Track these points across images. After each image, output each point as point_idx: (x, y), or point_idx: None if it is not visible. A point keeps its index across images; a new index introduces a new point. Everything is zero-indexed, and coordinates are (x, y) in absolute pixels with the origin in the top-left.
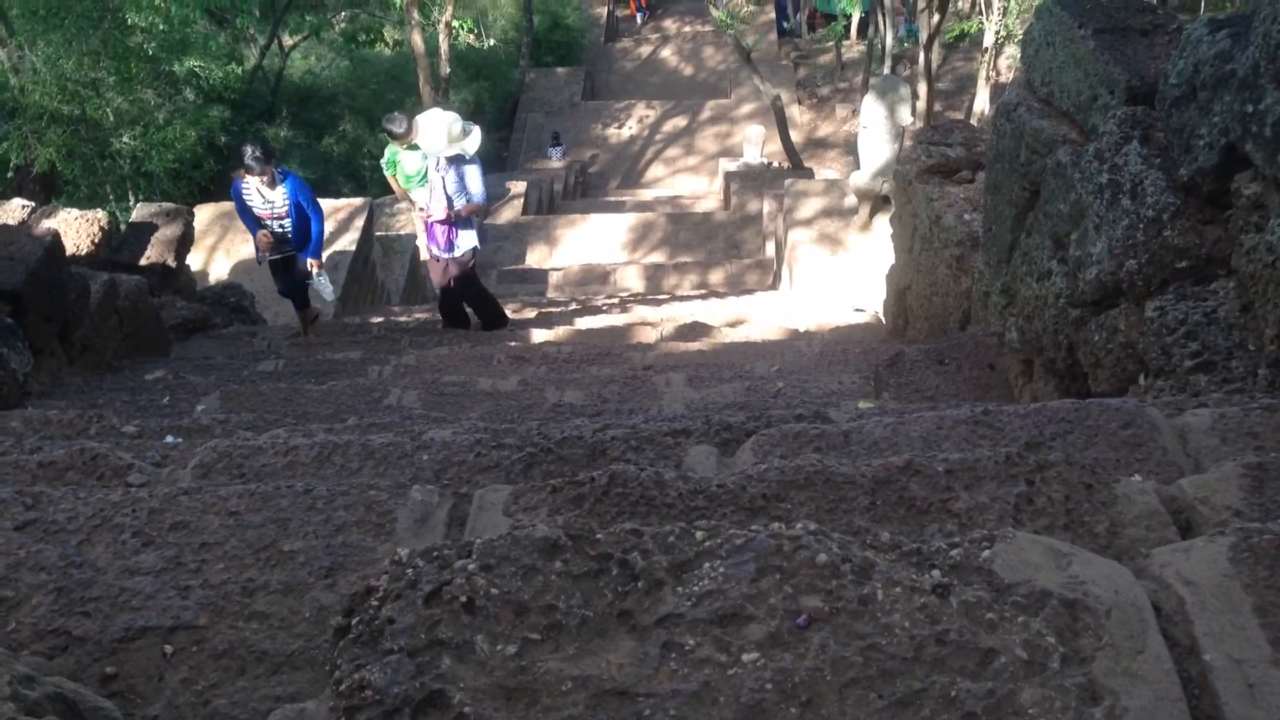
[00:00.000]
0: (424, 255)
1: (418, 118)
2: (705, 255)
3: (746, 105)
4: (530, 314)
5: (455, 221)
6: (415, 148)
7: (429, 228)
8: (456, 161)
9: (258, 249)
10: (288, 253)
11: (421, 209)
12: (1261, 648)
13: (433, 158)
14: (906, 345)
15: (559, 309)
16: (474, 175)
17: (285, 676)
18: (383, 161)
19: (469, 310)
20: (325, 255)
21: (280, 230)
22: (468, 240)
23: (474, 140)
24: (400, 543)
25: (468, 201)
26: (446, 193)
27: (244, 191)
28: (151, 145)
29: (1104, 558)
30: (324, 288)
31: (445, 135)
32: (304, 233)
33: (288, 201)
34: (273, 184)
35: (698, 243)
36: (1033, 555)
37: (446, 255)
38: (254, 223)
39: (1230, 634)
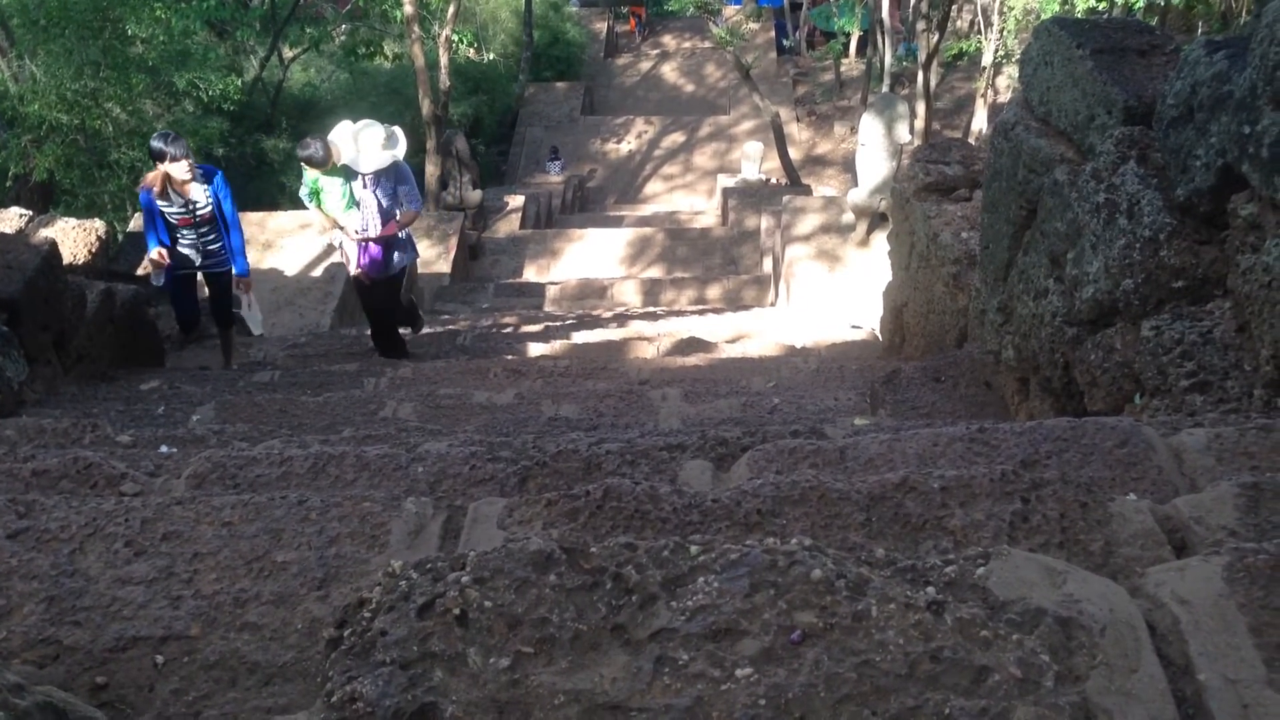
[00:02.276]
0: (352, 271)
1: (331, 137)
2: (703, 271)
3: (745, 122)
4: (527, 327)
5: (394, 238)
6: (335, 173)
7: (363, 248)
8: (384, 173)
9: (153, 270)
10: (209, 267)
11: (356, 231)
12: (1256, 668)
13: (358, 177)
14: (903, 362)
15: (556, 323)
16: (407, 182)
17: (277, 688)
18: (303, 194)
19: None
20: (322, 269)
21: (197, 241)
22: (404, 256)
23: (401, 144)
24: (394, 555)
25: (404, 210)
26: (382, 208)
27: (163, 204)
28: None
29: (1099, 576)
30: (254, 319)
31: (378, 146)
32: (227, 232)
33: (210, 202)
34: (194, 182)
35: (695, 258)
36: (1027, 573)
37: (380, 275)
38: (156, 234)
39: (1225, 654)
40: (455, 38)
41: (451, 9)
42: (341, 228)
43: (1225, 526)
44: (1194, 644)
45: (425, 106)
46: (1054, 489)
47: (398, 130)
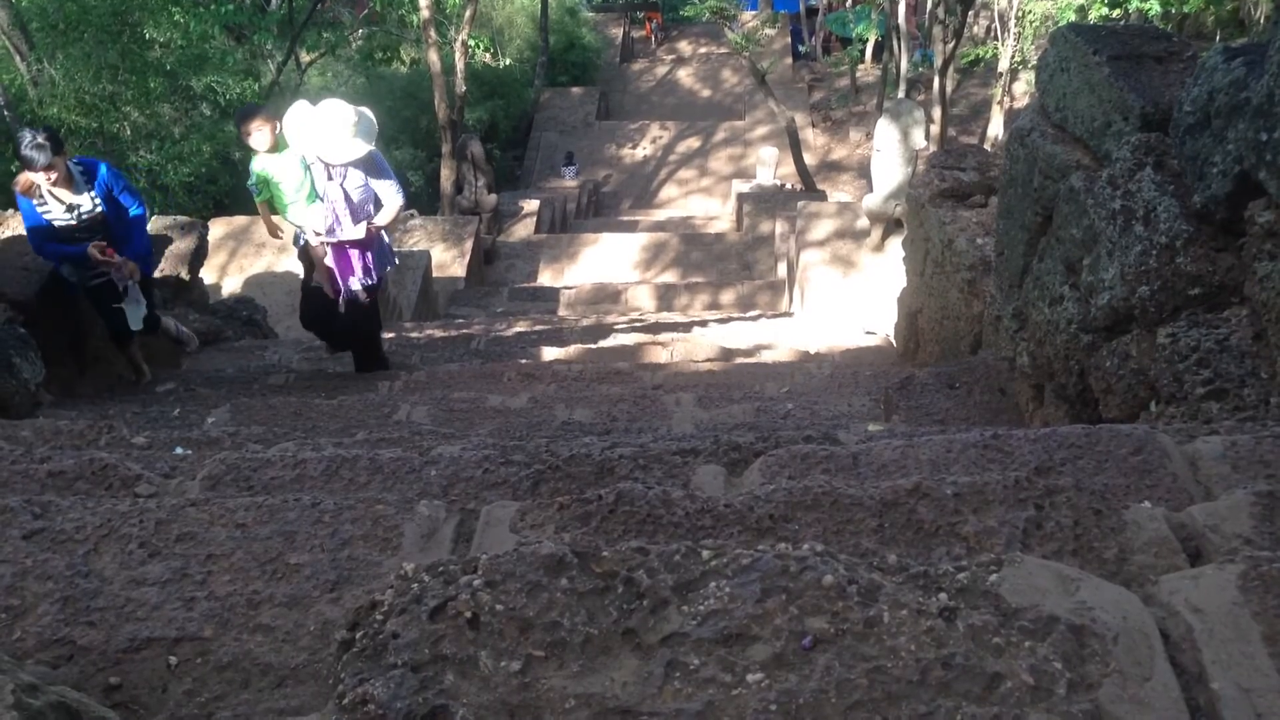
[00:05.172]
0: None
1: (286, 120)
2: (717, 276)
3: (761, 127)
4: (542, 331)
5: (372, 243)
6: (281, 148)
7: (339, 257)
8: (355, 161)
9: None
10: (111, 272)
11: (319, 235)
12: (1270, 676)
13: (320, 165)
14: (917, 368)
15: (570, 327)
16: (384, 172)
17: (289, 690)
18: (251, 185)
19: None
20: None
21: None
22: (386, 261)
23: (374, 130)
24: (406, 557)
25: (384, 210)
26: (352, 204)
27: (37, 205)
28: (167, 159)
29: (1112, 584)
30: (134, 312)
31: (348, 131)
32: (129, 236)
33: (97, 202)
34: (71, 183)
35: (710, 263)
36: (1040, 580)
37: (362, 286)
38: (57, 252)
39: (1238, 662)
40: (471, 43)
41: (468, 14)
42: (299, 228)
43: (1240, 535)
44: (1207, 652)
45: (441, 111)
46: (1068, 496)
47: (367, 112)
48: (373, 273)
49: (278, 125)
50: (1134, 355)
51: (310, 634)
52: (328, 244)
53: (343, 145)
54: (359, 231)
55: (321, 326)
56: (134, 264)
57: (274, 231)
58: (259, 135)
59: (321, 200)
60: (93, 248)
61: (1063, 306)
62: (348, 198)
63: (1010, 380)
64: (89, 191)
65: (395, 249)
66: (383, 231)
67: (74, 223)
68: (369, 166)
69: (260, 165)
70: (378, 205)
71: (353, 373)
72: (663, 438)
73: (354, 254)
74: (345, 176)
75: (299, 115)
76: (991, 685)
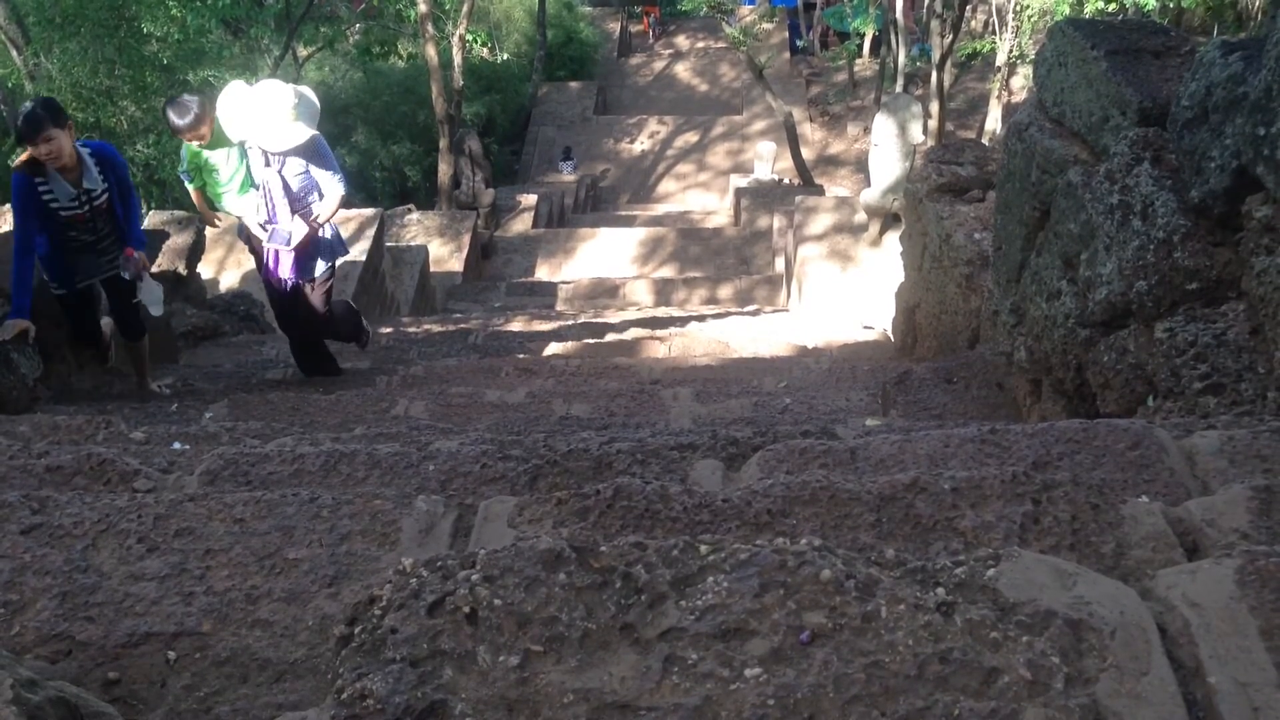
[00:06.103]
0: (281, 272)
1: (220, 103)
2: (715, 270)
3: (759, 122)
4: (539, 326)
5: (314, 246)
6: (225, 143)
7: (270, 251)
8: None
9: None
10: (109, 272)
11: (259, 227)
12: (1267, 671)
13: (256, 150)
14: (915, 363)
15: (568, 322)
16: (324, 158)
17: (287, 684)
18: (181, 171)
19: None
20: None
21: (95, 243)
22: (328, 253)
23: (316, 112)
24: (404, 552)
25: (324, 203)
26: (291, 192)
27: (42, 190)
28: (164, 153)
29: (1110, 578)
30: (154, 299)
31: (287, 115)
32: (132, 228)
33: (107, 187)
34: (79, 166)
35: (707, 258)
36: (1038, 575)
37: (299, 280)
38: (29, 268)
39: (1235, 657)
40: (469, 37)
41: (465, 8)
42: (239, 218)
43: (1237, 529)
44: (1205, 647)
45: (439, 106)
46: (1065, 491)
47: (308, 91)
48: (330, 261)
49: (213, 121)
50: (1131, 350)
51: (309, 629)
52: (267, 247)
53: (282, 131)
54: (298, 236)
55: (292, 325)
56: (143, 255)
57: (210, 220)
58: (191, 138)
59: (256, 189)
60: (14, 327)
61: (1060, 301)
62: (286, 186)
63: (1008, 375)
64: (99, 174)
65: (393, 243)
66: (329, 224)
67: (83, 211)
68: (310, 153)
69: (193, 152)
70: (320, 195)
71: (349, 367)
72: (661, 433)
73: (287, 254)
74: (284, 164)
75: (234, 99)
76: (989, 680)
